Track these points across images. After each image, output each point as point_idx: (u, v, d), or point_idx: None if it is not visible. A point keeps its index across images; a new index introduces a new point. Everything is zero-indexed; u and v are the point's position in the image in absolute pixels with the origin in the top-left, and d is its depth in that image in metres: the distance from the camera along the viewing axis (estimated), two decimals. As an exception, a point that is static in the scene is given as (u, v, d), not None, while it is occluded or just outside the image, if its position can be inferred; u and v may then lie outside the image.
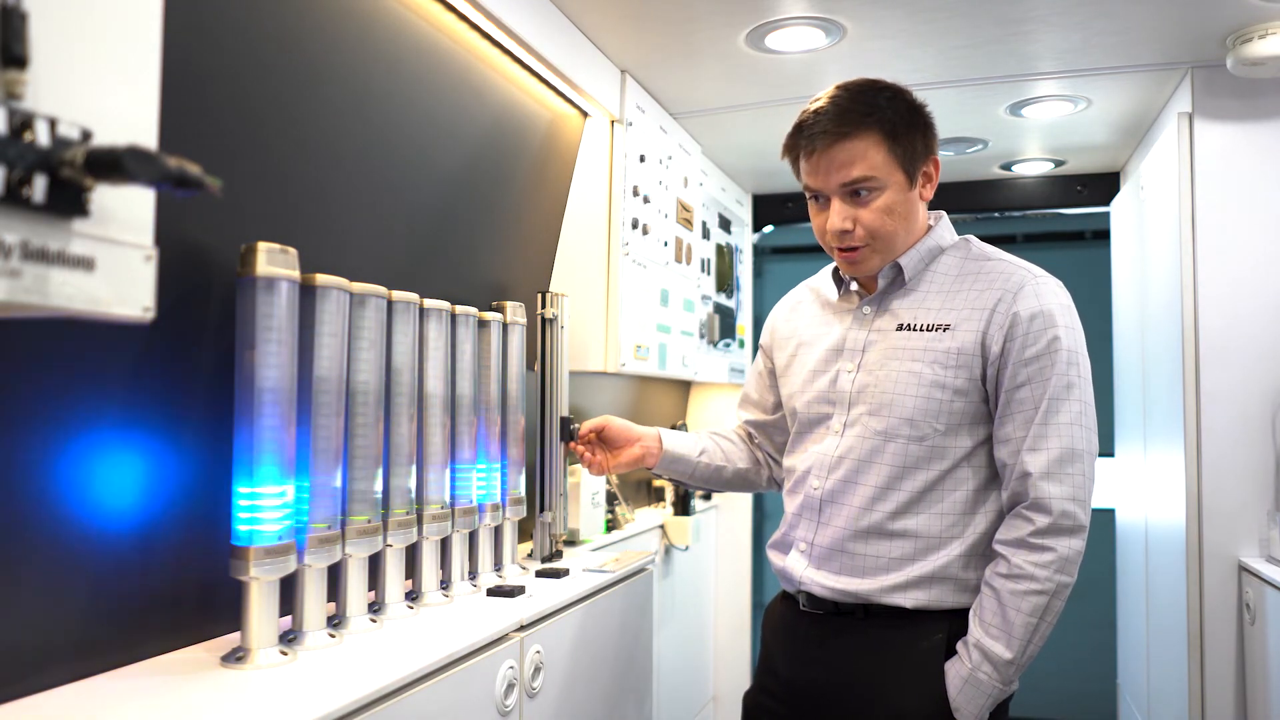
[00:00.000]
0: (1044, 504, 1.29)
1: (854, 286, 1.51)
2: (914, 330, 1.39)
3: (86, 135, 0.67)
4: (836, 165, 1.36)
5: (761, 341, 1.70)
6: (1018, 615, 1.29)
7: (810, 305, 1.60)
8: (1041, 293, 1.35)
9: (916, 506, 1.37)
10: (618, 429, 1.64)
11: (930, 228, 1.46)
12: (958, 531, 1.36)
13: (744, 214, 3.60)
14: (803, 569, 1.45)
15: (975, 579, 1.37)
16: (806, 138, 1.38)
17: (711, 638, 3.31)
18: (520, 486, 1.69)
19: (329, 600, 1.22)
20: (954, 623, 1.37)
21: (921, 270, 1.44)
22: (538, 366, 1.82)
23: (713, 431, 1.73)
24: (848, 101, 1.37)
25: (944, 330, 1.37)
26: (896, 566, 1.37)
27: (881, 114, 1.35)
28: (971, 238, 1.49)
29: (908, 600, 1.36)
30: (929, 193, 1.44)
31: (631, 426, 1.65)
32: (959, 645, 1.35)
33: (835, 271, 1.54)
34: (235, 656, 1.09)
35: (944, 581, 1.36)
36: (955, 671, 1.34)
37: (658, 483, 2.99)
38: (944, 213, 1.50)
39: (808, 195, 1.43)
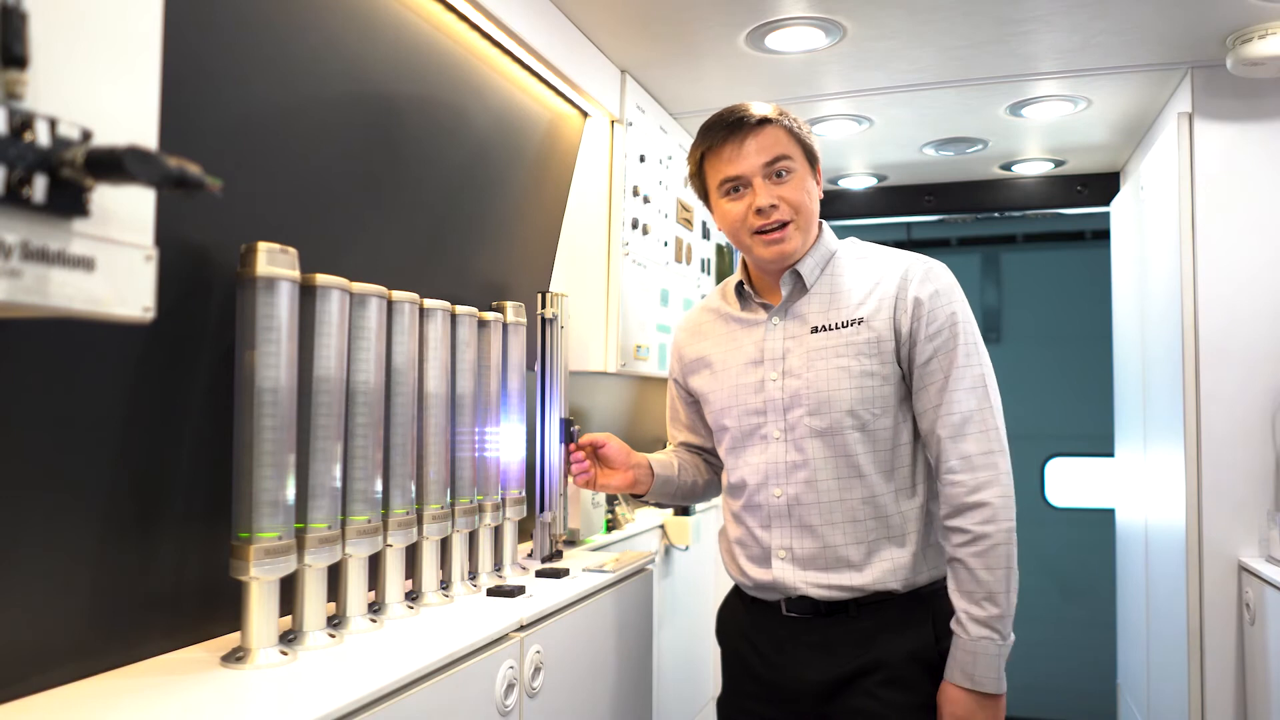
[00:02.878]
0: (963, 463, 1.40)
1: (757, 299, 1.57)
2: (830, 330, 1.48)
3: (86, 135, 0.67)
4: (759, 148, 1.46)
5: (671, 373, 1.74)
6: (989, 573, 1.38)
7: (712, 325, 1.64)
8: (933, 275, 1.48)
9: (878, 489, 1.46)
10: (616, 451, 1.65)
11: (819, 236, 1.55)
12: (915, 504, 1.47)
13: (744, 214, 3.60)
14: (794, 575, 1.48)
15: (931, 544, 1.48)
16: (727, 127, 1.48)
17: (711, 638, 3.31)
18: (520, 486, 1.69)
19: (329, 600, 1.22)
20: (929, 598, 1.47)
21: (817, 275, 1.52)
22: (538, 366, 1.82)
23: (662, 452, 1.76)
24: (752, 105, 1.50)
25: (859, 324, 1.46)
26: (877, 549, 1.45)
27: (780, 118, 1.49)
28: (853, 238, 1.60)
29: (897, 583, 1.45)
30: (820, 195, 1.55)
31: (630, 453, 1.67)
32: (952, 624, 1.41)
33: (738, 286, 1.59)
34: (235, 656, 1.09)
35: (921, 555, 1.46)
36: (961, 649, 1.39)
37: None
38: (824, 221, 1.58)
39: (722, 192, 1.50)
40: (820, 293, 1.51)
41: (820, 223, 1.56)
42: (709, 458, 1.78)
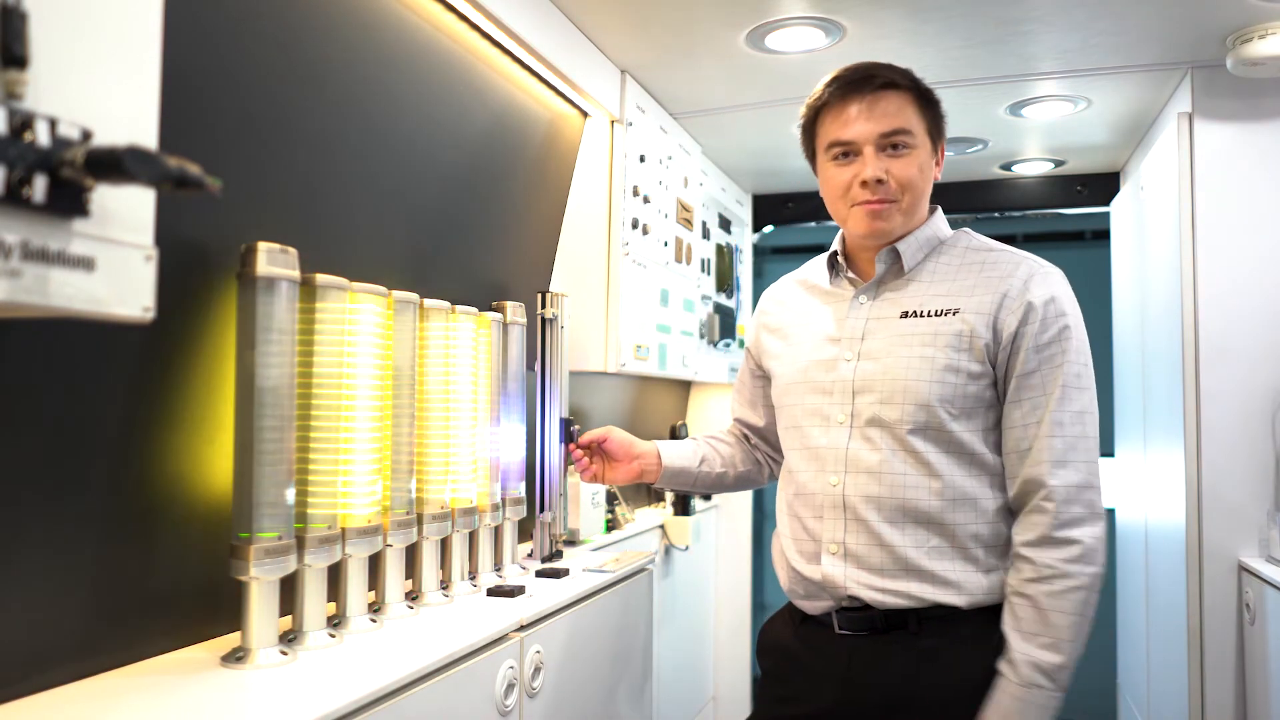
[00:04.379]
0: (1060, 492, 1.27)
1: (849, 274, 1.46)
2: (921, 317, 1.36)
3: (86, 135, 0.67)
4: (879, 114, 1.34)
5: (748, 343, 1.65)
6: (1061, 616, 1.24)
7: (797, 298, 1.54)
8: (1051, 282, 1.35)
9: (948, 494, 1.32)
10: (619, 443, 1.58)
11: (928, 219, 1.43)
12: (988, 523, 1.33)
13: (744, 214, 3.60)
14: (844, 573, 1.34)
15: (998, 565, 1.33)
16: (848, 85, 1.36)
17: (711, 638, 3.31)
18: (520, 486, 1.69)
19: (329, 600, 1.22)
20: (999, 617, 1.33)
21: (920, 260, 1.41)
22: (538, 366, 1.82)
23: (709, 436, 1.68)
24: (882, 65, 1.37)
25: (953, 314, 1.34)
26: (939, 558, 1.31)
27: (914, 82, 1.37)
28: (969, 230, 1.47)
29: (961, 600, 1.31)
30: (937, 175, 1.42)
31: (634, 442, 1.60)
32: (1001, 665, 1.28)
33: (831, 258, 1.49)
34: (235, 656, 1.09)
35: (989, 574, 1.32)
36: (1008, 695, 1.26)
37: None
38: (939, 206, 1.47)
39: (830, 154, 1.39)
40: (918, 278, 1.39)
41: (934, 207, 1.45)
42: (758, 444, 1.68)
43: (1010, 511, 1.34)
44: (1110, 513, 3.43)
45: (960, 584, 1.31)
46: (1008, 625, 1.28)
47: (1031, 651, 1.25)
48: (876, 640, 1.33)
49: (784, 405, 1.48)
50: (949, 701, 1.30)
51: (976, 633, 1.31)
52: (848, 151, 1.37)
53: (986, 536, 1.32)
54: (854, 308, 1.42)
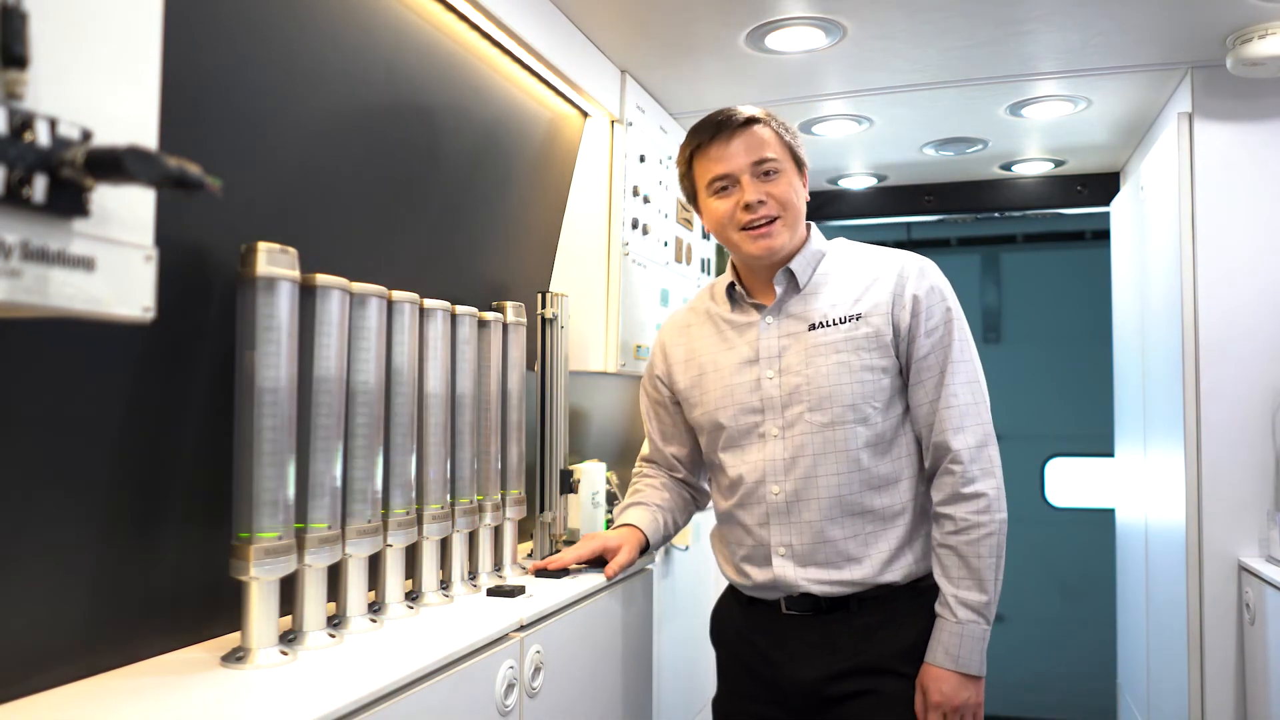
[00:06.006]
0: (961, 454, 1.44)
1: (748, 299, 1.57)
2: (829, 326, 1.50)
3: (86, 135, 0.67)
4: (748, 147, 1.48)
5: (655, 373, 1.70)
6: (979, 560, 1.42)
7: (701, 327, 1.64)
8: (929, 273, 1.52)
9: (874, 482, 1.48)
10: (612, 545, 1.59)
11: (806, 237, 1.56)
12: (909, 497, 1.49)
13: (744, 214, 3.60)
14: (794, 572, 1.49)
15: (921, 533, 1.50)
16: (715, 127, 1.50)
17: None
18: (520, 486, 1.69)
19: (329, 600, 1.22)
20: (928, 589, 1.49)
21: (810, 274, 1.54)
22: (538, 366, 1.81)
23: (644, 499, 1.68)
24: (739, 107, 1.52)
25: (857, 319, 1.49)
26: (874, 541, 1.47)
27: (767, 120, 1.52)
28: (840, 238, 1.62)
29: (897, 575, 1.47)
30: (806, 197, 1.56)
31: (608, 538, 1.60)
32: (937, 607, 1.45)
33: (729, 288, 1.59)
34: (235, 656, 1.09)
35: (913, 546, 1.49)
36: (947, 631, 1.43)
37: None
38: (812, 223, 1.60)
39: (710, 190, 1.52)
40: (814, 291, 1.53)
41: (808, 224, 1.58)
42: (685, 477, 1.73)
43: (927, 480, 1.51)
44: (1110, 513, 3.43)
45: (894, 567, 1.47)
46: (937, 574, 1.46)
47: (960, 593, 1.43)
48: (818, 619, 1.49)
49: (715, 427, 1.58)
50: (885, 670, 1.46)
51: (910, 607, 1.48)
52: (726, 186, 1.50)
53: (913, 513, 1.49)
54: (764, 329, 1.54)
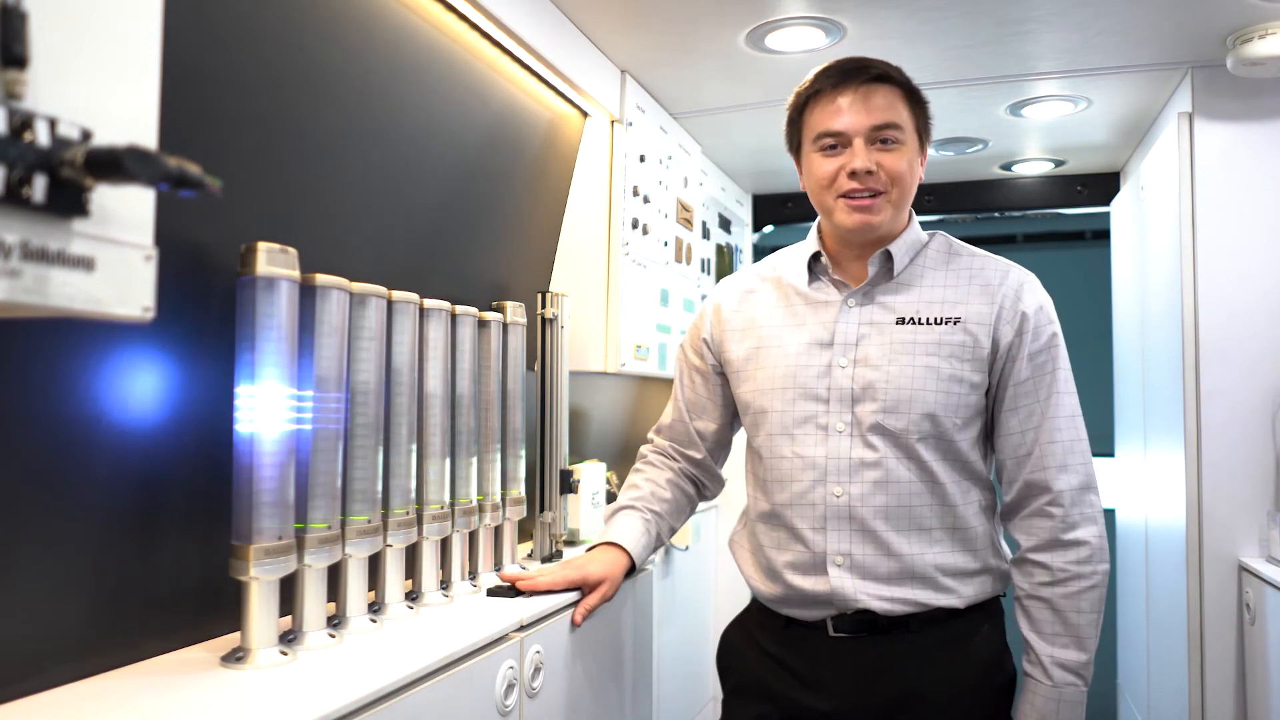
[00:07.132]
0: (1062, 497, 1.31)
1: (833, 275, 1.41)
2: (920, 324, 1.35)
3: (86, 135, 0.67)
4: (871, 107, 1.31)
5: (701, 335, 1.53)
6: (1079, 616, 1.30)
7: (767, 294, 1.47)
8: (1038, 290, 1.39)
9: (948, 499, 1.34)
10: (593, 579, 1.45)
11: (909, 222, 1.42)
12: (978, 520, 1.37)
13: (744, 214, 3.60)
14: (854, 585, 1.33)
15: (997, 565, 1.39)
16: (840, 75, 1.33)
17: (711, 638, 3.31)
18: (520, 486, 1.69)
19: (329, 600, 1.22)
20: (990, 612, 1.40)
21: (908, 262, 1.39)
22: (538, 366, 1.81)
23: (640, 502, 1.54)
24: (875, 59, 1.35)
25: (955, 324, 1.34)
26: (944, 562, 1.34)
27: (905, 80, 1.37)
28: (941, 232, 1.46)
29: (959, 600, 1.35)
30: (921, 176, 1.41)
31: (589, 571, 1.45)
32: (1027, 666, 1.33)
33: (813, 256, 1.43)
34: (235, 656, 1.09)
35: (982, 573, 1.38)
36: (1041, 696, 1.31)
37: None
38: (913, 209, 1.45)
39: (818, 145, 1.35)
40: (908, 282, 1.38)
41: (909, 210, 1.42)
42: (703, 457, 1.58)
43: (989, 510, 1.40)
44: (1110, 513, 3.43)
45: (959, 588, 1.35)
46: (1025, 628, 1.34)
47: (1057, 653, 1.30)
48: (874, 639, 1.35)
49: (763, 410, 1.41)
50: (950, 697, 1.34)
51: (969, 629, 1.37)
52: (836, 143, 1.34)
53: (978, 538, 1.37)
54: (845, 312, 1.39)
